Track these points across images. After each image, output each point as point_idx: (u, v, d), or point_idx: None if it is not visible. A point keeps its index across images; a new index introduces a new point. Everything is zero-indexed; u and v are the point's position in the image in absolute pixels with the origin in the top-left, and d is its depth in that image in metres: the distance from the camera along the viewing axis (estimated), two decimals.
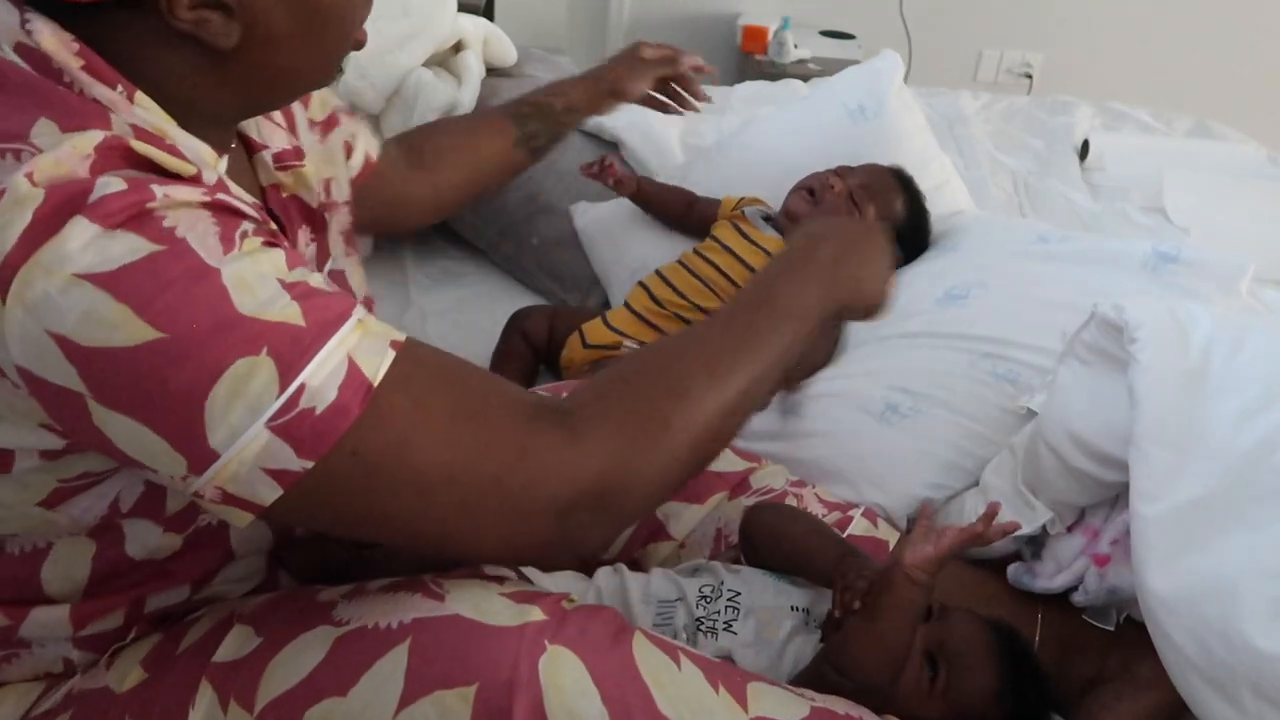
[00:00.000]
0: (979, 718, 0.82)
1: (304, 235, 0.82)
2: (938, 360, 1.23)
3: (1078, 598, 0.92)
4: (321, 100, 0.93)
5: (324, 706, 0.65)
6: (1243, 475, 0.80)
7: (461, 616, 0.67)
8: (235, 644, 0.71)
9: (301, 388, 0.57)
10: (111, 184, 0.55)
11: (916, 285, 1.37)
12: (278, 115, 0.84)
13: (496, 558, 0.71)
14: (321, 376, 0.58)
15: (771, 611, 0.87)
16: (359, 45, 0.72)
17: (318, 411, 0.58)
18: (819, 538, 0.93)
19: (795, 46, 2.91)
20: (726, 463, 1.08)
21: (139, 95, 0.61)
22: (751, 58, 2.97)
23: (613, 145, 1.75)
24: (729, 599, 0.87)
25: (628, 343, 1.38)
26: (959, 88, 2.45)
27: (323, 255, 0.87)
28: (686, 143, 1.80)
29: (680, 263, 1.45)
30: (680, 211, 1.56)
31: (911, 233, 1.47)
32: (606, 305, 1.56)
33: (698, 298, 1.40)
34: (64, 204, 0.54)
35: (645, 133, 1.74)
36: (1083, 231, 1.77)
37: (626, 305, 1.44)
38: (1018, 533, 0.96)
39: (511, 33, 1.92)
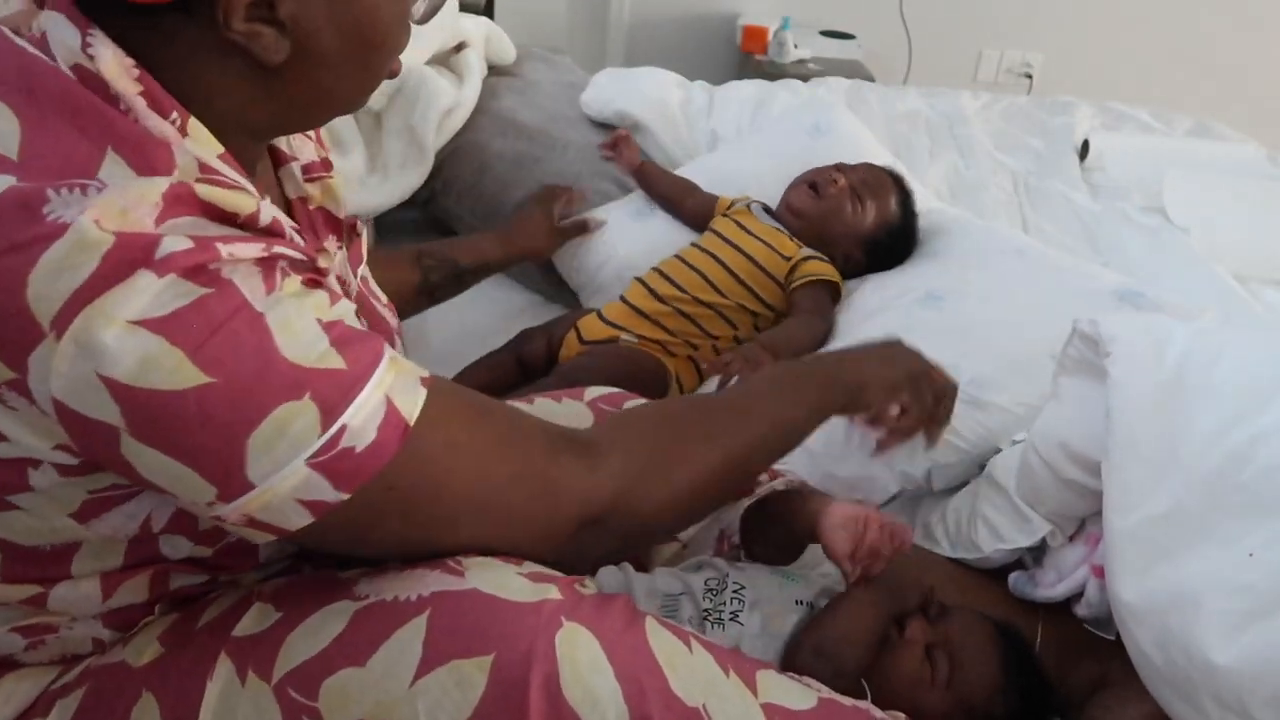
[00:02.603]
0: (983, 712, 0.82)
1: (331, 243, 0.82)
2: None
3: (1081, 610, 0.92)
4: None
5: (341, 676, 0.66)
6: (1213, 490, 0.80)
7: (480, 591, 0.68)
8: (254, 619, 0.71)
9: (343, 429, 0.61)
10: (178, 243, 0.56)
11: (898, 283, 1.40)
12: None
13: None
14: (362, 417, 0.62)
15: (777, 604, 0.88)
16: (393, 75, 0.74)
17: (357, 450, 0.62)
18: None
19: (795, 46, 2.91)
20: None
21: (192, 124, 0.62)
22: (751, 58, 2.98)
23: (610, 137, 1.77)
24: (734, 591, 0.88)
25: (624, 335, 1.37)
26: (959, 88, 2.45)
27: (355, 260, 0.87)
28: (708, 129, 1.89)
29: (678, 257, 1.45)
30: (677, 195, 1.60)
31: (902, 233, 1.49)
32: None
33: (697, 291, 1.39)
34: (132, 255, 0.55)
35: (666, 118, 1.84)
36: (1082, 231, 1.77)
37: (623, 299, 1.43)
38: (1017, 545, 0.97)
39: (511, 32, 1.92)
